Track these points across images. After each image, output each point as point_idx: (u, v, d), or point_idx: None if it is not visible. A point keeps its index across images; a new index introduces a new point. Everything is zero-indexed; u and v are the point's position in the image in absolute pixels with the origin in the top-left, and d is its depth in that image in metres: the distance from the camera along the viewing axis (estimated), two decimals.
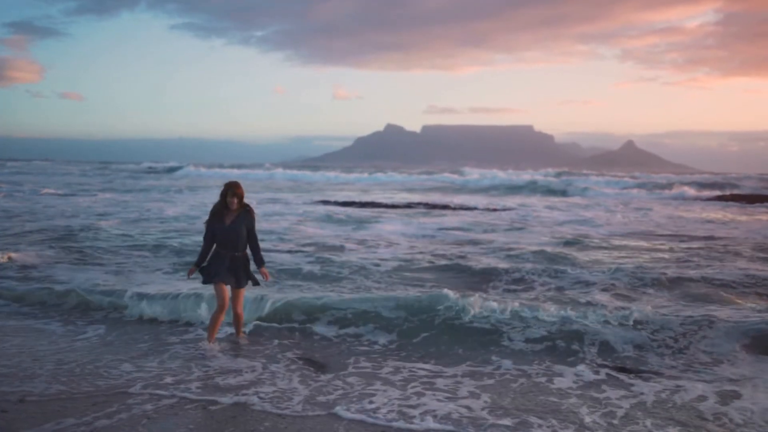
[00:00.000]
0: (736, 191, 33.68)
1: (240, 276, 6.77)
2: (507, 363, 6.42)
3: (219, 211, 6.73)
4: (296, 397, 5.41)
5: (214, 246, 6.77)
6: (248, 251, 6.88)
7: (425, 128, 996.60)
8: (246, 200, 6.90)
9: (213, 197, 28.19)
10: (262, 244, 7.12)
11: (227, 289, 6.77)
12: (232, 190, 6.69)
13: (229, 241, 6.70)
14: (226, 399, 5.33)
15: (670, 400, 5.44)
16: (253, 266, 6.91)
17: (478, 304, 7.72)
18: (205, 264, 6.78)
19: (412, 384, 5.82)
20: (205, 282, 6.80)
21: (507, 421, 4.95)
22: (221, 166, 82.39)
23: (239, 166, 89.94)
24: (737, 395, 5.55)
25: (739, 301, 8.84)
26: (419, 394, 5.55)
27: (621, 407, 5.28)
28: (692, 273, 10.67)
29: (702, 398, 5.48)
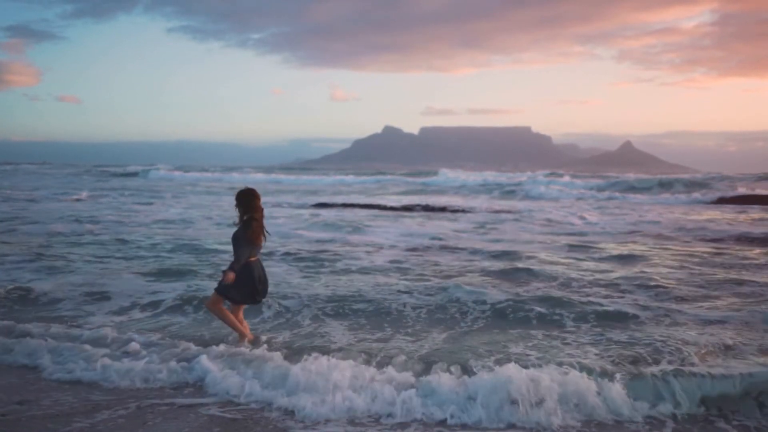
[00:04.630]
0: (716, 193, 34.19)
1: None
2: None
3: None
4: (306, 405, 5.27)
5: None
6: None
7: (423, 130, 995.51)
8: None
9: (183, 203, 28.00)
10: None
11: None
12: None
13: None
14: (230, 405, 5.33)
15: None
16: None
17: None
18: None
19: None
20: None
21: None
22: (205, 170, 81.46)
23: (230, 169, 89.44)
24: None
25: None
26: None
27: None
28: (688, 277, 10.77)
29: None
